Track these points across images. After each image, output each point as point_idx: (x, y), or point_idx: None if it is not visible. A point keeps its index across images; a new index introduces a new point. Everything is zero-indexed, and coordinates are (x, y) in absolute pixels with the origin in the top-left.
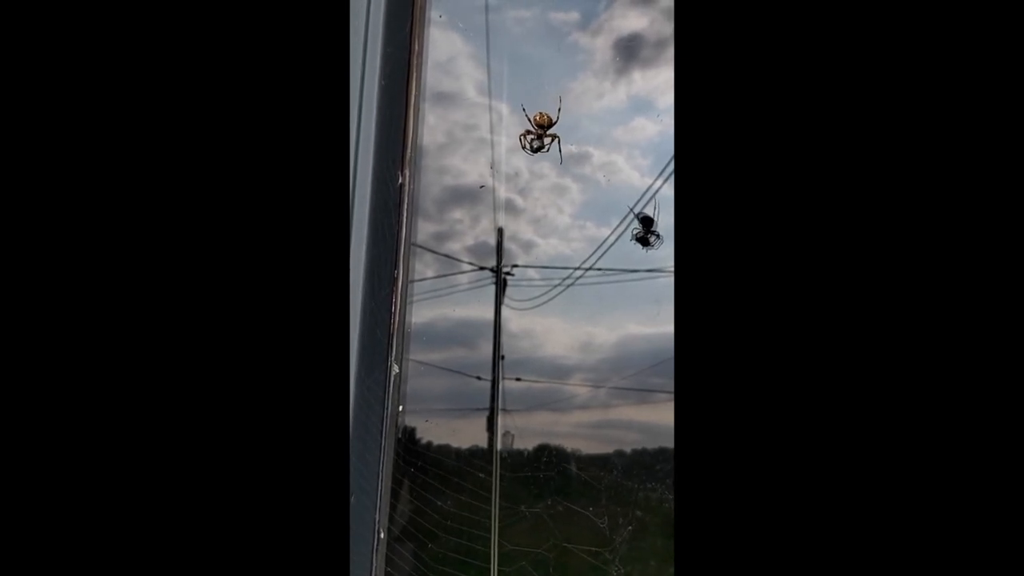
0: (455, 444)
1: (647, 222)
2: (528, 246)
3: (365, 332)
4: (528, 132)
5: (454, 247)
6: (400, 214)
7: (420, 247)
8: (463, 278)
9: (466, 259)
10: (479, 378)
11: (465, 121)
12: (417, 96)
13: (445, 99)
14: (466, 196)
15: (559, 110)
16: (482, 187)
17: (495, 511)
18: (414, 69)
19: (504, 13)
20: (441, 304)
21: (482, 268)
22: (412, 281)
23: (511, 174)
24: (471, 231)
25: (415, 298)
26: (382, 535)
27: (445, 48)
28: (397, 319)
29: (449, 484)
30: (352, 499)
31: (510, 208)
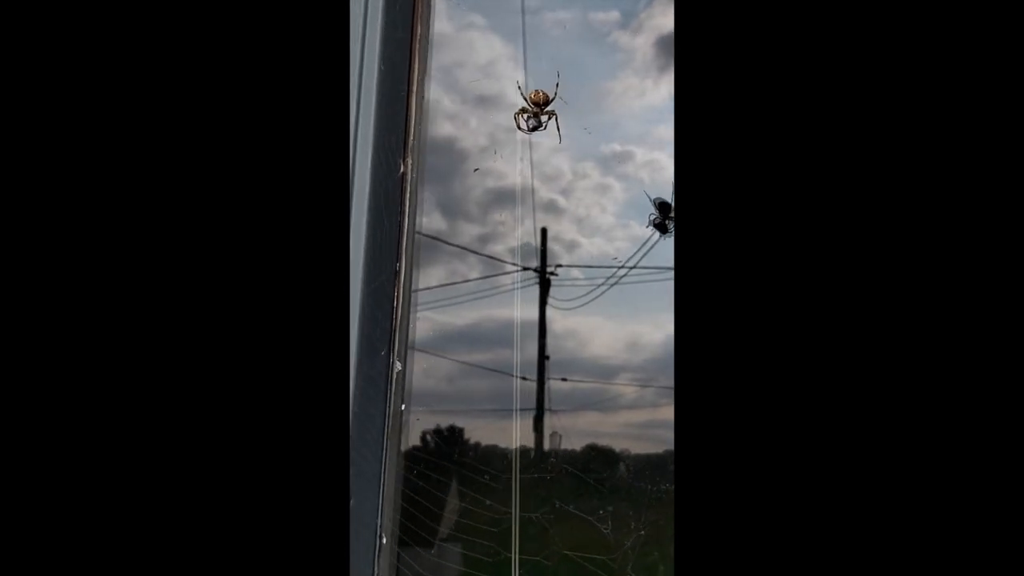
0: (502, 445)
1: (664, 208)
2: (571, 246)
3: (365, 324)
4: (524, 110)
5: (497, 248)
6: (403, 204)
7: (463, 248)
8: (507, 279)
9: (509, 260)
10: (524, 378)
11: (507, 124)
12: (420, 83)
13: (486, 102)
14: (508, 198)
15: (557, 86)
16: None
17: (515, 511)
18: (416, 54)
19: (542, 15)
20: (485, 305)
21: (525, 269)
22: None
23: (553, 175)
24: (513, 232)
25: (461, 300)
26: (384, 540)
27: (485, 52)
28: (400, 313)
29: (499, 481)
30: (352, 503)
31: (553, 209)
